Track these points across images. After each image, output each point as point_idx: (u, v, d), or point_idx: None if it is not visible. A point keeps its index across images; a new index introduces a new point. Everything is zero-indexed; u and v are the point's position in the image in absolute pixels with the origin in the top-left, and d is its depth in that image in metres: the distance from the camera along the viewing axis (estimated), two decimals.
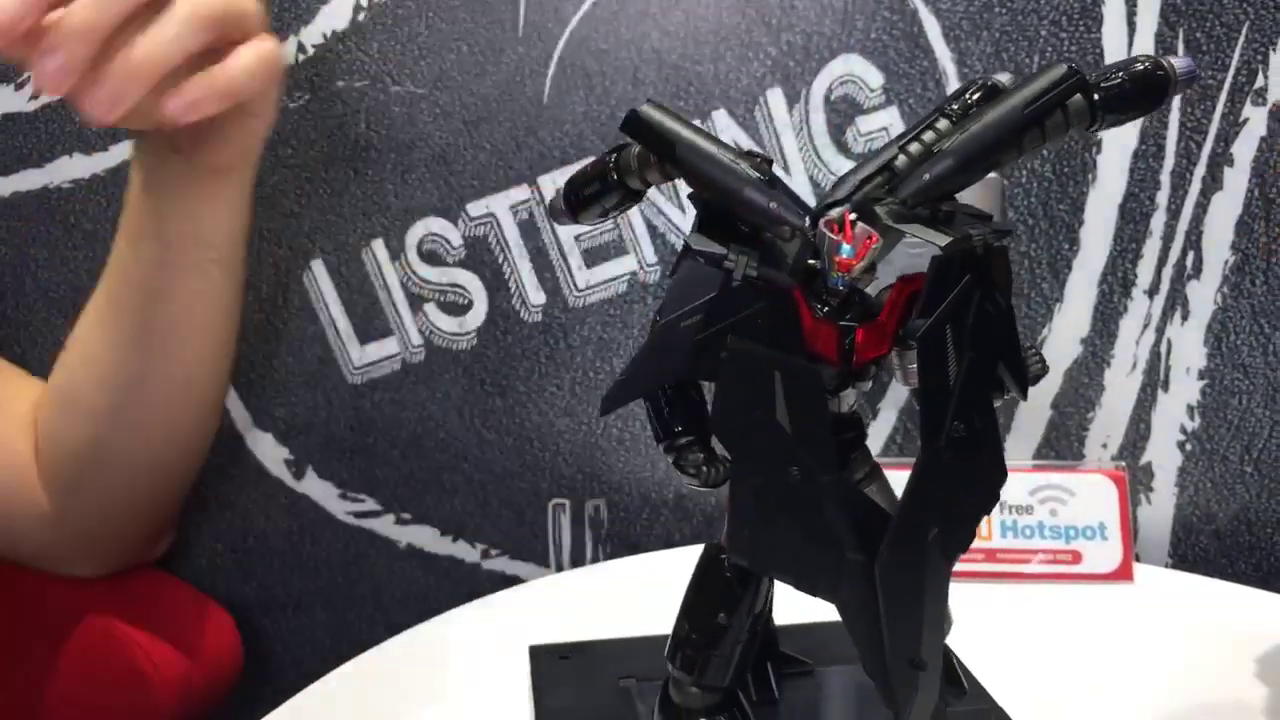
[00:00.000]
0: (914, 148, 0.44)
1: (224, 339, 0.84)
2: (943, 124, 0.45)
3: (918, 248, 0.43)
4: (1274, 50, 0.82)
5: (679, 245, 0.45)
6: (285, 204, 0.91)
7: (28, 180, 0.92)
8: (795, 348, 0.44)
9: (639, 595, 0.70)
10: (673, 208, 0.89)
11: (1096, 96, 0.44)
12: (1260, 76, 0.83)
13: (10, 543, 0.86)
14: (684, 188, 0.46)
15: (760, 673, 0.60)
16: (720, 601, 0.51)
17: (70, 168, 0.92)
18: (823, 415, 0.44)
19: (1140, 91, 0.45)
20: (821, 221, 0.43)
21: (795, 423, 0.43)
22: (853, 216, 0.42)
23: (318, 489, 0.97)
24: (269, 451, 0.97)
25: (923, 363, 0.43)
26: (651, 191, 0.89)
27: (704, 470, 0.47)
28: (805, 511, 0.45)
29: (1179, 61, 0.45)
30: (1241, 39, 0.82)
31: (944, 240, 0.42)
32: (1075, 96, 0.44)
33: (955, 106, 0.45)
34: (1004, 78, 0.46)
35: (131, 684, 0.86)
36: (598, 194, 0.51)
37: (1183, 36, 0.83)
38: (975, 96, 0.45)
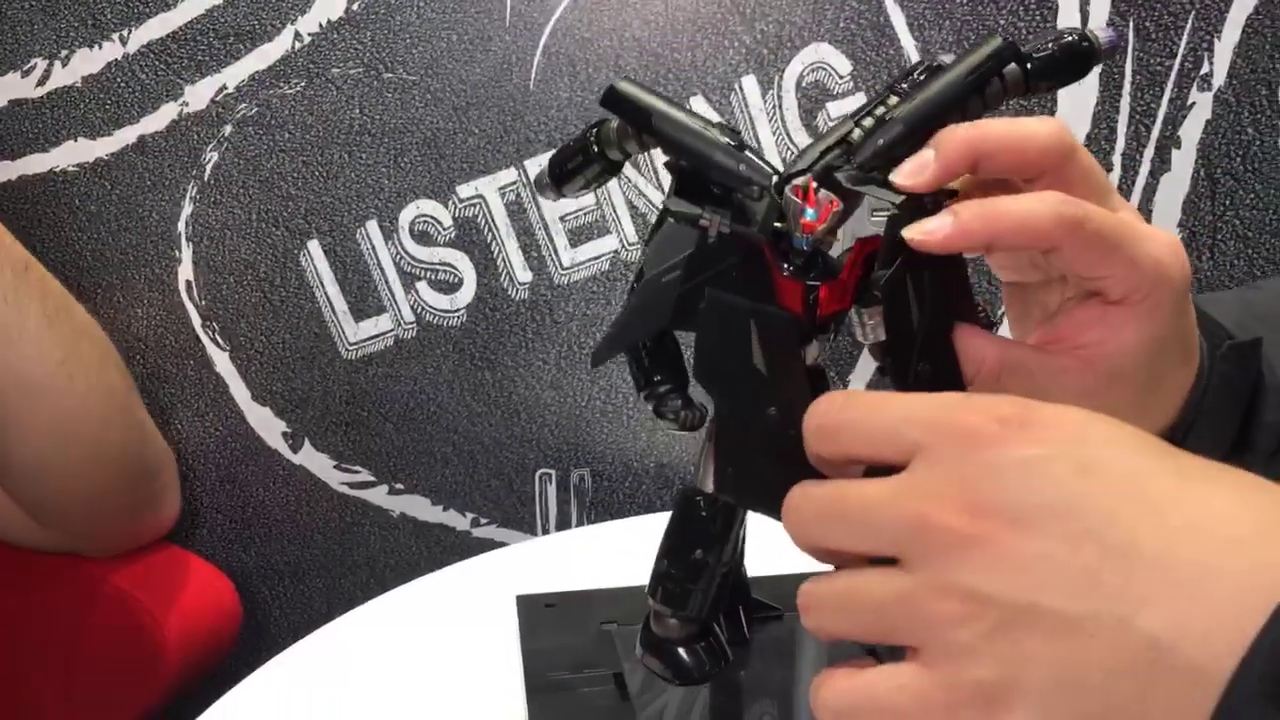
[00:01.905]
0: (867, 121, 0.48)
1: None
2: (893, 100, 0.49)
3: (875, 212, 0.47)
4: (1218, 38, 0.87)
5: None
6: (282, 187, 0.95)
7: (33, 164, 0.96)
8: (768, 298, 0.48)
9: (621, 556, 0.73)
10: (652, 189, 0.93)
11: (1029, 65, 0.48)
12: (1206, 63, 0.88)
13: (19, 539, 0.91)
14: (660, 161, 0.50)
15: (732, 616, 0.64)
16: (698, 539, 0.55)
17: (75, 152, 0.95)
18: (796, 358, 0.48)
19: (1068, 59, 0.49)
20: (787, 187, 0.47)
21: (771, 366, 0.47)
22: (815, 183, 0.46)
23: (314, 461, 1.01)
24: (267, 425, 1.00)
25: (888, 309, 0.46)
26: (632, 173, 0.94)
27: (682, 414, 0.51)
28: (783, 448, 0.48)
29: (1103, 33, 0.49)
30: (1188, 27, 0.87)
31: (898, 198, 0.46)
32: (1010, 65, 0.48)
33: (904, 85, 0.49)
34: (948, 58, 0.51)
35: (138, 645, 0.90)
36: (580, 166, 0.55)
37: (1133, 25, 0.88)
38: (923, 76, 0.50)
